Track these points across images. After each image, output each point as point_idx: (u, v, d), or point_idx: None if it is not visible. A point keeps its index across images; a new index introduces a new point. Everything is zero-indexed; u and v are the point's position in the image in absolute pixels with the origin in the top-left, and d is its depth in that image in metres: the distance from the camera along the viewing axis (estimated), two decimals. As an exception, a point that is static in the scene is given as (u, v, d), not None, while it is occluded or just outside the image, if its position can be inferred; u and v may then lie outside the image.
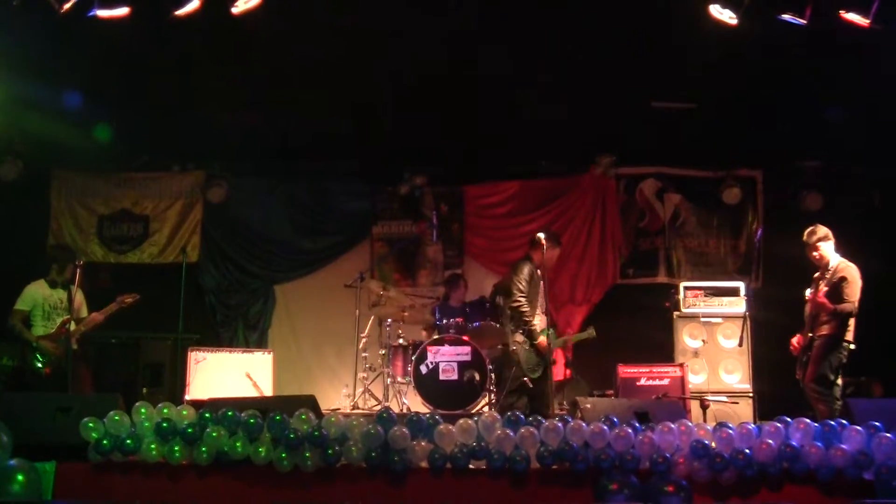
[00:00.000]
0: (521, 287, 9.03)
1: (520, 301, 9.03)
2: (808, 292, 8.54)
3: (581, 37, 9.20)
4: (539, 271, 9.33)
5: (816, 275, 8.52)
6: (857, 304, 8.14)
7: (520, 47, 9.48)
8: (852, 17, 7.79)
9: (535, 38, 9.30)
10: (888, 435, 6.09)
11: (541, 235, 9.18)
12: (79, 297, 9.19)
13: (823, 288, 8.24)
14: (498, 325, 10.15)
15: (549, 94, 10.15)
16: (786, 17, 7.87)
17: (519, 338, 9.02)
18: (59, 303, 9.13)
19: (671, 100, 10.52)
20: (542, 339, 9.14)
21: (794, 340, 8.52)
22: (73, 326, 9.00)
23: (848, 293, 8.14)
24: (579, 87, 10.04)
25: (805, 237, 8.54)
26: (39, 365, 8.88)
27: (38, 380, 8.86)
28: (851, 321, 8.19)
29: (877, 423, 6.23)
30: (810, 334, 8.31)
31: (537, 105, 10.39)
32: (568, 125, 10.78)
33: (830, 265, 8.34)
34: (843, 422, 6.33)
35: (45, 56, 8.99)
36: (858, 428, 6.18)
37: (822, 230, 8.49)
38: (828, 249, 8.42)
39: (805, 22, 7.81)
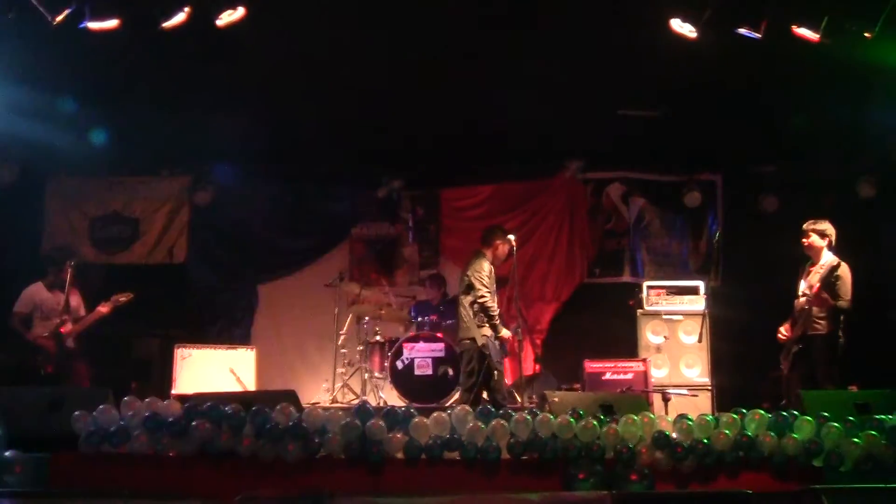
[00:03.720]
0: (484, 282, 9.00)
1: (486, 296, 8.98)
2: (801, 285, 8.60)
3: (551, 48, 9.37)
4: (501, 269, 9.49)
5: (808, 265, 8.61)
6: (850, 301, 8.28)
7: (492, 56, 9.64)
8: (803, 31, 8.09)
9: (506, 47, 9.49)
10: (836, 424, 6.32)
11: (497, 230, 9.44)
12: (76, 298, 9.37)
13: (818, 284, 8.30)
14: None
15: (521, 102, 10.27)
16: (742, 30, 8.14)
17: (487, 331, 8.98)
18: (56, 304, 9.27)
19: (636, 108, 10.69)
20: (506, 333, 9.20)
21: (783, 329, 8.58)
22: (69, 326, 9.20)
23: (843, 291, 8.27)
24: (549, 95, 10.17)
25: (805, 225, 8.62)
26: (40, 363, 9.05)
27: (39, 377, 8.98)
28: (842, 317, 8.34)
29: (825, 414, 6.46)
30: (803, 330, 8.39)
31: (509, 112, 10.51)
32: (538, 132, 10.97)
33: (822, 261, 8.44)
34: (795, 412, 6.53)
35: (38, 65, 9.07)
36: (808, 418, 6.38)
37: (822, 225, 8.56)
38: (818, 241, 8.50)
39: (760, 36, 8.08)
